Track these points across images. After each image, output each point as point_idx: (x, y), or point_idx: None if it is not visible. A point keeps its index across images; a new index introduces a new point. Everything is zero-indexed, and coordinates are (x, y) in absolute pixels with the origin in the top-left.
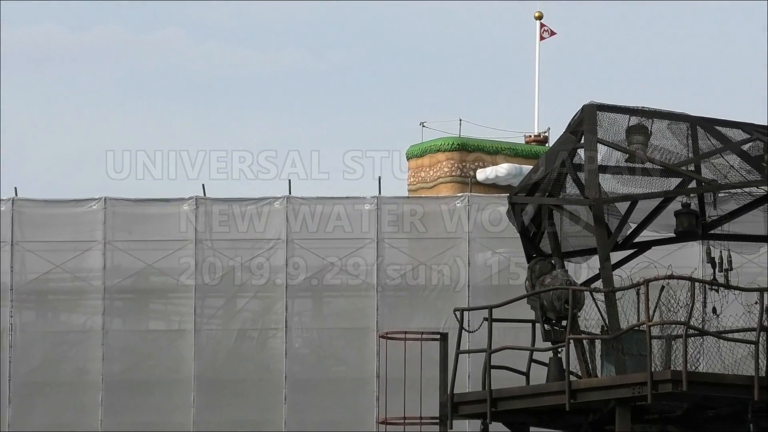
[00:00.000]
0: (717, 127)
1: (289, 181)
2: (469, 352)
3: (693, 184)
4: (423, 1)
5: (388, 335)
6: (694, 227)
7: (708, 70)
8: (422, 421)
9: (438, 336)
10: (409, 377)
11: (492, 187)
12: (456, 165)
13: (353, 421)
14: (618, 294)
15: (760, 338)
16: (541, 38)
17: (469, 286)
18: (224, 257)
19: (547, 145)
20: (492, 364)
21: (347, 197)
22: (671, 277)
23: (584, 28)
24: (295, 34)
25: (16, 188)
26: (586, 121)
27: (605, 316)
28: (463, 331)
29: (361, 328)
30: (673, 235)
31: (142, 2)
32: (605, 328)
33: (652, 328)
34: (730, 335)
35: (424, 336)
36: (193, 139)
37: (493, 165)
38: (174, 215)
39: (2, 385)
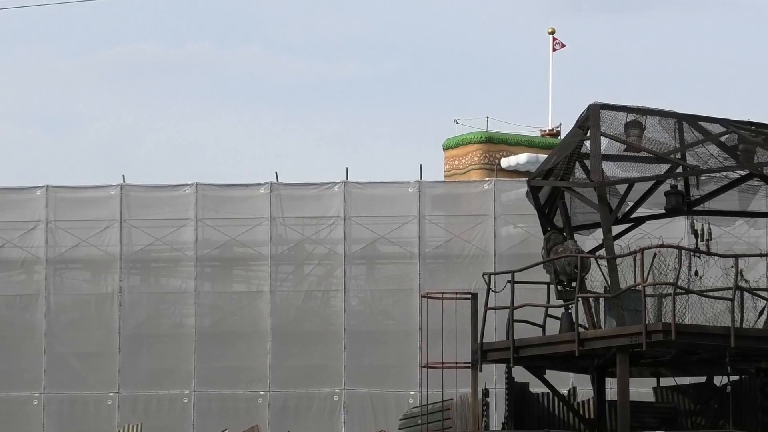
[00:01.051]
0: (699, 122)
1: (347, 168)
2: (495, 308)
3: (679, 169)
4: (455, 20)
5: (429, 295)
6: (680, 204)
7: (699, 70)
8: (457, 365)
9: (470, 296)
10: (446, 329)
11: (514, 172)
12: (484, 155)
13: (400, 365)
14: (618, 260)
15: (735, 296)
16: (554, 50)
17: (495, 254)
18: (294, 231)
19: (559, 137)
20: (514, 318)
21: (393, 182)
22: (662, 246)
23: (589, 39)
24: (353, 48)
25: (123, 176)
26: (591, 118)
27: (608, 279)
28: (491, 291)
29: (406, 290)
30: (663, 211)
31: (226, 22)
32: (608, 288)
33: (646, 288)
34: (710, 293)
35: (459, 296)
36: (267, 134)
37: (514, 154)
38: (253, 197)
39: (114, 337)
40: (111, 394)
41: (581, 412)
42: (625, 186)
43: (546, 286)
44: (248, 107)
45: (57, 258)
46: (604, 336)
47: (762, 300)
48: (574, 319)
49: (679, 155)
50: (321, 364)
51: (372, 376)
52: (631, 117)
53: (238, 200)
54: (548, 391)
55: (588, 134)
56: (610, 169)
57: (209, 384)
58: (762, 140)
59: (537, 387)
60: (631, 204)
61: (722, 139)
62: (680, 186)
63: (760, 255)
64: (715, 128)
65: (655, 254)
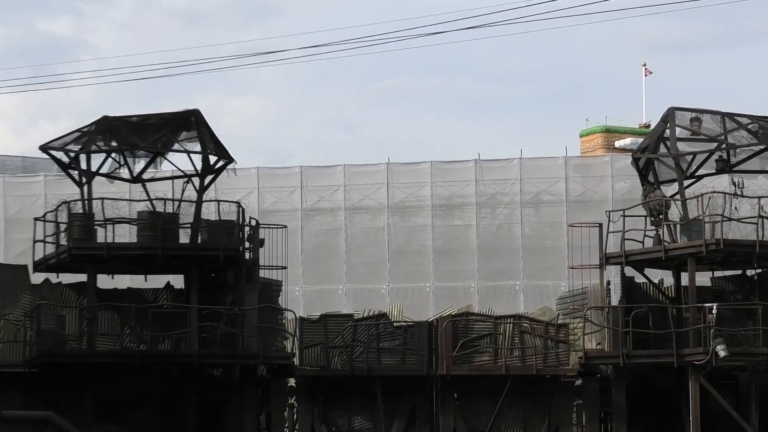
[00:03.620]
0: (735, 117)
1: (521, 150)
2: (613, 232)
3: (723, 146)
4: (588, 58)
5: (573, 225)
6: (725, 167)
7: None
8: (591, 266)
9: (598, 225)
10: (583, 245)
11: (623, 150)
12: (604, 139)
13: (556, 267)
14: (687, 201)
15: (759, 221)
16: (645, 75)
17: (612, 199)
18: (489, 188)
19: (650, 128)
20: (625, 237)
21: (549, 157)
22: (714, 192)
23: (667, 66)
24: (525, 76)
25: (389, 157)
26: (669, 115)
27: (681, 212)
28: (610, 222)
29: (559, 222)
30: (714, 171)
31: (447, 63)
32: (682, 218)
33: (705, 217)
34: (743, 220)
35: (591, 225)
36: (471, 130)
37: (623, 139)
38: (464, 168)
39: (384, 252)
40: (384, 286)
41: (666, 293)
42: (690, 156)
43: (644, 218)
44: (459, 115)
45: (350, 206)
46: (680, 247)
47: None
48: (661, 238)
49: (723, 137)
50: (508, 267)
51: (539, 273)
52: (693, 114)
53: (456, 170)
54: (646, 281)
55: (668, 125)
56: (681, 146)
57: (441, 279)
58: None
59: (639, 279)
60: (695, 167)
61: (749, 126)
62: (724, 155)
63: None
64: (745, 120)
65: (710, 197)
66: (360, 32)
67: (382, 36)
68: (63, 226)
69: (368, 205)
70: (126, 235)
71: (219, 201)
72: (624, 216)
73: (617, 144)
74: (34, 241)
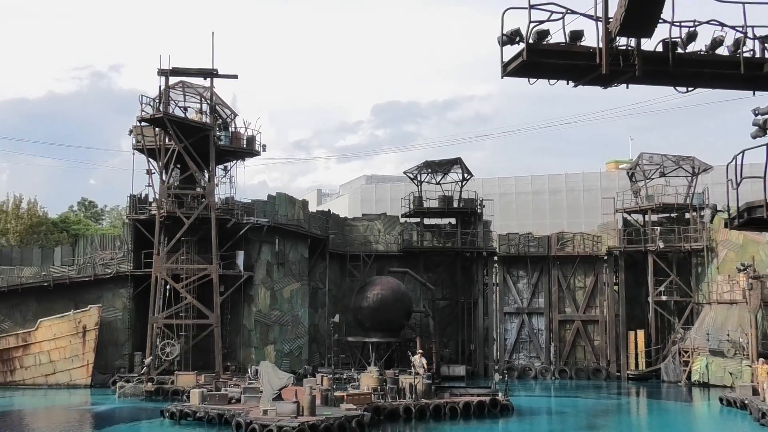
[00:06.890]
0: (668, 155)
1: (582, 170)
2: (620, 200)
3: (662, 167)
4: (603, 132)
5: (604, 197)
6: (663, 175)
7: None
8: (610, 213)
9: (613, 198)
10: (607, 205)
11: (623, 168)
12: (616, 165)
13: (596, 215)
14: (648, 188)
15: (675, 195)
16: (631, 140)
17: (617, 188)
18: (571, 184)
19: (633, 160)
20: (623, 202)
21: (590, 172)
22: (659, 184)
23: (640, 137)
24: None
25: (531, 174)
26: (640, 156)
27: (646, 193)
28: (617, 197)
29: (597, 197)
30: (659, 176)
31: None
32: (646, 195)
33: (655, 194)
34: (669, 195)
35: (610, 197)
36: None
37: (623, 164)
38: (559, 177)
39: (530, 212)
40: (530, 221)
41: (639, 224)
42: (649, 170)
43: (631, 196)
44: (559, 158)
45: (516, 191)
46: (646, 205)
47: None
48: (638, 203)
49: (663, 164)
50: (577, 215)
51: (590, 217)
52: (650, 155)
53: (557, 177)
54: (633, 219)
55: (639, 159)
56: (645, 167)
57: (553, 219)
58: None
59: (630, 219)
60: (651, 175)
61: (672, 159)
62: (662, 170)
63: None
64: (671, 156)
65: (656, 186)
66: (522, 124)
67: (530, 126)
68: (413, 202)
69: (524, 191)
70: (434, 203)
71: (468, 190)
72: (623, 195)
73: (620, 166)
74: (400, 208)
